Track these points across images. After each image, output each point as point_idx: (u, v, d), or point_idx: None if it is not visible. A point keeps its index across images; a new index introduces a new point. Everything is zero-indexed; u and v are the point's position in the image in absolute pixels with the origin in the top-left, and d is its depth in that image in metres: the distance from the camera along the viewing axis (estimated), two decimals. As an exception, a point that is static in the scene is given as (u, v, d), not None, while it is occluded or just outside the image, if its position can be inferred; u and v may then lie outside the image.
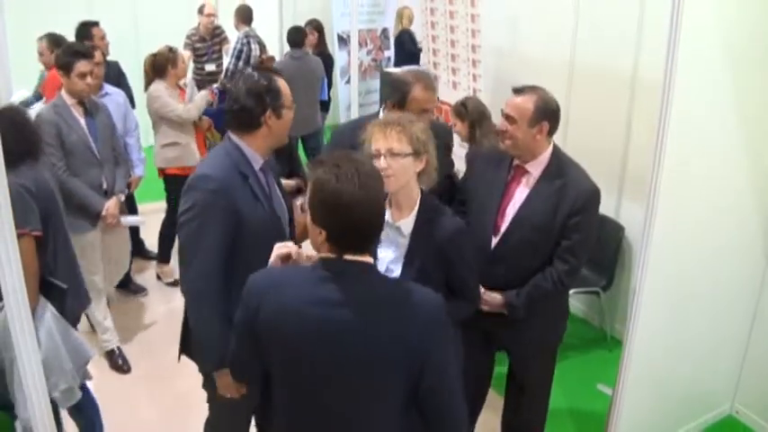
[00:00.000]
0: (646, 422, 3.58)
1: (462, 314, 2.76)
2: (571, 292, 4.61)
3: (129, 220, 4.72)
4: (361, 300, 1.89)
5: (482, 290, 3.14)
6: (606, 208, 4.83)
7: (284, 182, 3.69)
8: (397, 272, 2.61)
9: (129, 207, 5.27)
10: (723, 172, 3.39)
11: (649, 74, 4.39)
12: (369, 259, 1.97)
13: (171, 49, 5.48)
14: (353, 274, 1.92)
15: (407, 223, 2.62)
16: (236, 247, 2.62)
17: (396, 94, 3.20)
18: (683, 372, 3.69)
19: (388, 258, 2.66)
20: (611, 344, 4.90)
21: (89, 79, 4.17)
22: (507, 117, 3.01)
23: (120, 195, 4.51)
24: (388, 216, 2.59)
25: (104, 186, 4.42)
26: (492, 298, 3.13)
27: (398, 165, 2.52)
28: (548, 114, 2.97)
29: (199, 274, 2.57)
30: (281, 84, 2.68)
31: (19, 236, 3.05)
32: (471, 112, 4.50)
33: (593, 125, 4.58)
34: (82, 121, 4.30)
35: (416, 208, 2.63)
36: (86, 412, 3.48)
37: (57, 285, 3.15)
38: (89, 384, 3.49)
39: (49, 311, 3.08)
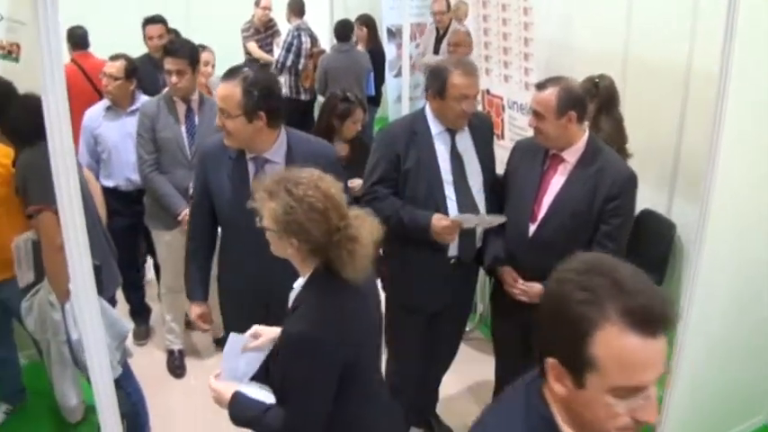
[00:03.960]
0: (687, 426, 3.50)
1: None
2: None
3: None
4: None
5: (520, 280, 3.19)
6: (657, 205, 4.75)
7: (351, 183, 3.71)
8: None
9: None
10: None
11: (705, 66, 4.27)
12: None
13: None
14: None
15: None
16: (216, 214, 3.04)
17: (435, 83, 3.20)
18: (724, 378, 3.58)
19: None
20: (660, 344, 4.78)
21: (174, 78, 4.10)
22: (535, 113, 3.05)
23: None
24: None
25: (191, 191, 4.15)
26: (531, 288, 3.14)
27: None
28: (573, 103, 2.97)
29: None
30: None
31: (40, 211, 3.16)
32: (601, 93, 4.18)
33: (645, 119, 4.48)
34: (181, 119, 4.24)
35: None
36: (127, 390, 3.53)
37: None
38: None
39: None
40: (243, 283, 3.04)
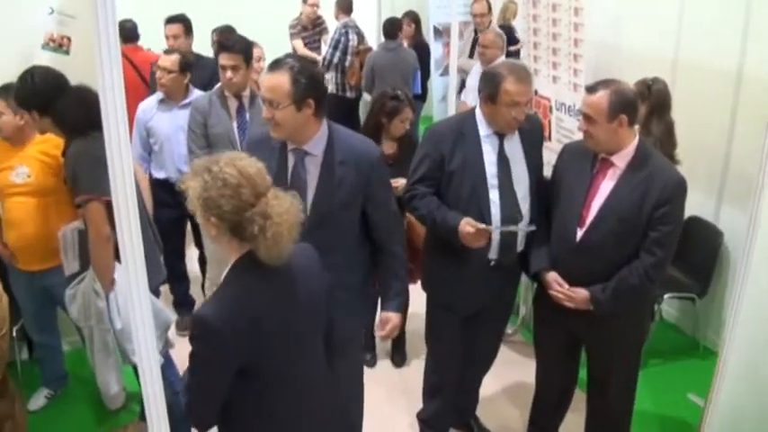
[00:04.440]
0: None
1: None
2: (666, 296, 4.56)
3: None
4: None
5: (566, 286, 3.14)
6: (705, 211, 4.69)
7: (395, 183, 3.73)
8: None
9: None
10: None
11: (756, 70, 4.22)
12: None
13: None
14: None
15: None
16: None
17: (488, 87, 3.18)
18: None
19: None
20: (702, 353, 4.72)
21: (229, 73, 4.12)
22: (585, 116, 3.00)
23: None
24: None
25: None
26: (577, 294, 3.10)
27: None
28: (624, 107, 2.92)
29: None
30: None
31: (88, 201, 3.22)
32: (654, 96, 4.17)
33: (695, 123, 4.43)
34: (233, 115, 4.26)
35: None
36: (170, 379, 3.58)
37: None
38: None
39: None
40: None
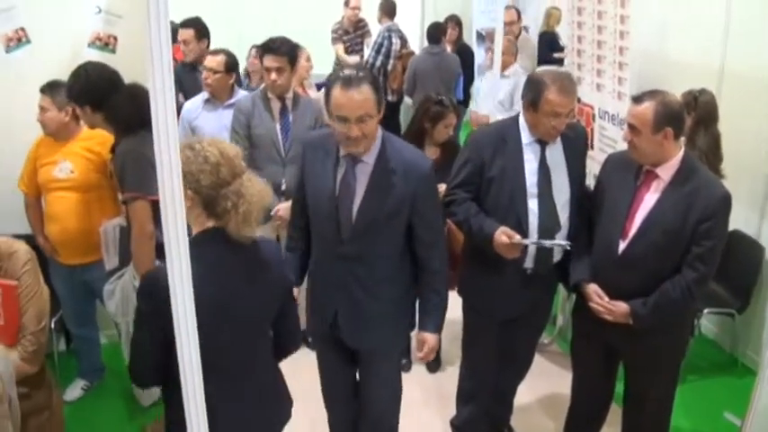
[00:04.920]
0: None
1: None
2: (705, 311, 4.49)
3: None
4: None
5: (606, 298, 3.10)
6: (747, 225, 4.62)
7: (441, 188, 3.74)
8: None
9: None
10: None
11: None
12: None
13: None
14: None
15: None
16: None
17: (530, 94, 3.15)
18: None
19: None
20: (741, 371, 4.65)
21: (273, 75, 4.13)
22: (630, 127, 2.96)
23: None
24: None
25: (283, 187, 4.21)
26: (617, 307, 3.05)
27: None
28: (670, 119, 2.88)
29: None
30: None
31: (135, 198, 3.26)
32: (700, 108, 4.11)
33: (738, 136, 4.36)
34: (276, 116, 4.28)
35: None
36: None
37: None
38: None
39: None
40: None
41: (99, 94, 3.42)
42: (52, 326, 3.69)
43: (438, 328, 3.06)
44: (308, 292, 3.18)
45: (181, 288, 1.99)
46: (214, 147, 2.27)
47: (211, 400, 2.14)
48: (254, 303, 2.38)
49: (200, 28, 5.58)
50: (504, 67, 5.75)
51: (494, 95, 6.03)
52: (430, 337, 3.03)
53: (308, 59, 5.23)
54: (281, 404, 2.61)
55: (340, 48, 8.09)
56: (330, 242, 2.91)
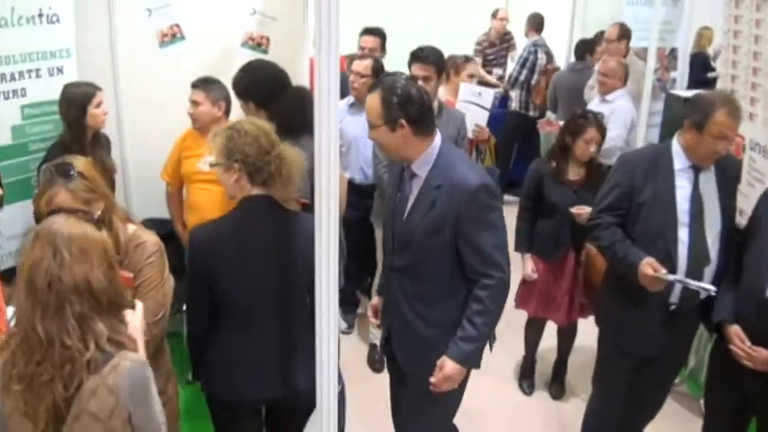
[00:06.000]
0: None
1: None
2: None
3: None
4: None
5: (747, 342, 2.91)
6: None
7: (577, 210, 3.78)
8: None
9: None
10: None
11: None
12: None
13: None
14: None
15: None
16: None
17: (696, 114, 3.05)
18: None
19: None
20: None
21: (420, 83, 4.09)
22: None
23: None
24: None
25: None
26: (759, 353, 2.86)
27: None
28: None
29: None
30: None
31: (286, 200, 3.41)
32: None
33: None
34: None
35: None
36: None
37: None
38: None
39: None
40: None
41: (266, 92, 3.58)
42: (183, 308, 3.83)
43: (461, 359, 2.81)
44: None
45: (326, 294, 2.14)
46: (251, 124, 2.74)
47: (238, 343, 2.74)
48: (291, 264, 2.70)
49: (384, 37, 5.80)
50: (609, 90, 5.44)
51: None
52: (448, 364, 2.81)
53: (472, 77, 5.26)
54: (305, 372, 2.73)
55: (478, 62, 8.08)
56: (388, 253, 3.03)
